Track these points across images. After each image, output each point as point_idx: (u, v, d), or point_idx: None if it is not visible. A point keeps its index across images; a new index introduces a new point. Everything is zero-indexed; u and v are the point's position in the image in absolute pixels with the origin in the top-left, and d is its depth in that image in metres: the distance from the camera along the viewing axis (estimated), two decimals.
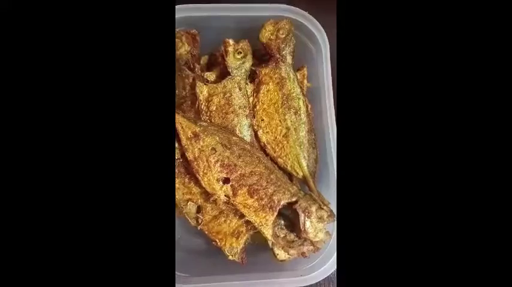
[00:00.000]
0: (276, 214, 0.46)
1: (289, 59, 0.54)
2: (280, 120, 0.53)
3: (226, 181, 0.48)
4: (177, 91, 0.55)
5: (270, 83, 0.54)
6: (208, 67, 0.58)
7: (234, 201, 0.47)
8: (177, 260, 0.43)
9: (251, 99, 0.54)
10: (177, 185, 0.51)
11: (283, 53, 0.54)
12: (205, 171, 0.48)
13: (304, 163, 0.53)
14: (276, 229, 0.48)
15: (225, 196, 0.48)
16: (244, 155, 0.48)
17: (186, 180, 0.51)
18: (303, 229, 0.45)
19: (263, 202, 0.46)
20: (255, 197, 0.46)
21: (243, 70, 0.53)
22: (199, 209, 0.51)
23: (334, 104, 0.53)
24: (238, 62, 0.53)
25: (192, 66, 0.55)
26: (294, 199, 0.46)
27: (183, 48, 0.55)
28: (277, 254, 0.50)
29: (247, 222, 0.49)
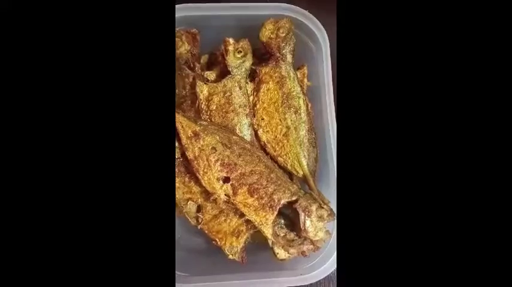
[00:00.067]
0: (276, 213, 0.46)
1: (289, 58, 0.54)
2: (280, 119, 0.53)
3: (226, 180, 0.48)
4: (177, 90, 0.55)
5: (270, 82, 0.54)
6: (209, 66, 0.58)
7: (234, 200, 0.47)
8: (177, 259, 0.43)
9: (251, 98, 0.54)
10: (177, 185, 0.51)
11: (284, 51, 0.53)
12: (205, 170, 0.48)
13: (304, 162, 0.53)
14: (276, 228, 0.48)
15: (225, 195, 0.48)
16: (244, 154, 0.48)
17: (186, 179, 0.51)
18: (303, 228, 0.45)
19: (263, 201, 0.46)
20: (255, 196, 0.46)
21: (243, 69, 0.53)
22: (199, 209, 0.51)
23: (334, 103, 0.53)
24: (239, 61, 0.53)
25: (192, 65, 0.55)
26: (294, 198, 0.46)
27: (183, 48, 0.55)
28: (277, 253, 0.50)
29: (247, 221, 0.49)
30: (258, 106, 0.54)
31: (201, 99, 0.53)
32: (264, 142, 0.54)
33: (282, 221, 0.49)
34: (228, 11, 0.55)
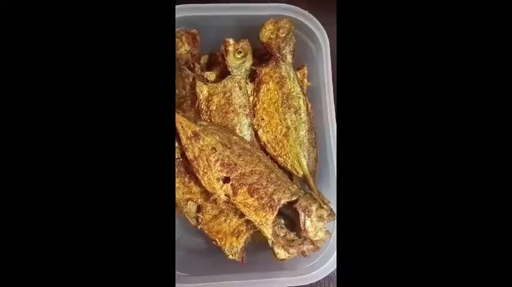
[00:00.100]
0: (276, 213, 0.46)
1: (289, 58, 0.54)
2: (280, 120, 0.53)
3: (226, 180, 0.48)
4: (177, 91, 0.55)
5: (270, 82, 0.54)
6: (209, 67, 0.58)
7: (234, 200, 0.47)
8: (177, 259, 0.43)
9: (251, 98, 0.54)
10: (177, 185, 0.51)
11: (283, 52, 0.54)
12: (205, 170, 0.48)
13: (304, 162, 0.53)
14: (276, 228, 0.48)
15: (225, 195, 0.48)
16: (244, 155, 0.48)
17: (186, 179, 0.51)
18: (303, 228, 0.45)
19: (263, 201, 0.46)
20: (255, 196, 0.46)
21: (243, 69, 0.53)
22: (199, 209, 0.51)
23: (334, 103, 0.53)
24: (239, 62, 0.53)
25: (192, 65, 0.55)
26: (294, 198, 0.46)
27: (183, 48, 0.55)
28: (277, 253, 0.50)
29: (247, 221, 0.49)
30: (258, 106, 0.54)
31: (201, 100, 0.53)
32: (264, 142, 0.54)
33: (282, 221, 0.49)
34: (228, 12, 0.55)
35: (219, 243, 0.50)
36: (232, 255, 0.49)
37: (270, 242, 0.49)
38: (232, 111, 0.52)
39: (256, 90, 0.54)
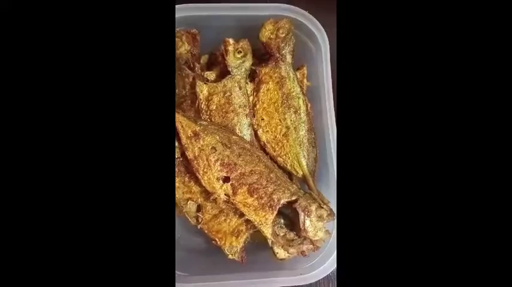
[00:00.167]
0: (275, 212, 0.46)
1: (289, 58, 0.54)
2: (280, 120, 0.53)
3: (226, 179, 0.48)
4: (177, 90, 0.55)
5: (270, 82, 0.54)
6: (209, 66, 0.58)
7: (233, 200, 0.48)
8: (177, 259, 0.43)
9: (251, 98, 0.54)
10: (177, 184, 0.51)
11: (283, 52, 0.54)
12: (205, 170, 0.48)
13: (303, 162, 0.53)
14: (276, 227, 0.48)
15: (225, 194, 0.48)
16: (244, 154, 0.48)
17: (186, 179, 0.51)
18: (302, 228, 0.45)
19: (263, 201, 0.46)
20: (255, 196, 0.46)
21: (243, 69, 0.53)
22: (199, 208, 0.51)
23: (334, 103, 0.53)
24: (238, 61, 0.53)
25: (192, 65, 0.55)
26: (293, 198, 0.46)
27: (183, 48, 0.55)
28: (277, 253, 0.50)
29: (247, 221, 0.49)
30: (257, 106, 0.54)
31: (201, 99, 0.53)
32: (263, 142, 0.54)
33: (282, 221, 0.49)
34: (228, 12, 0.55)
35: (218, 243, 0.50)
36: (232, 255, 0.49)
37: (269, 242, 0.49)
38: (232, 111, 0.53)
39: (256, 90, 0.54)
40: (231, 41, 0.52)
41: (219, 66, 0.56)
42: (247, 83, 0.54)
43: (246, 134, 0.53)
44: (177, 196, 0.51)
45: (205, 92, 0.53)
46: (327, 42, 0.55)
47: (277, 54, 0.54)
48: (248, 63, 0.54)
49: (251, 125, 0.53)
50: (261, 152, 0.51)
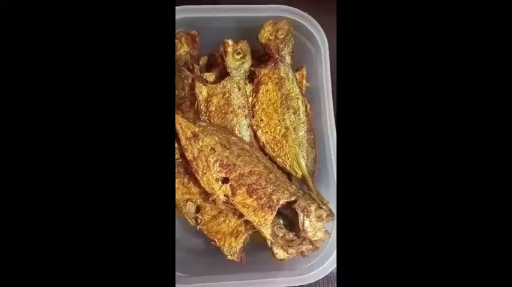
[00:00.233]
0: (275, 213, 0.46)
1: (288, 59, 0.54)
2: (279, 120, 0.53)
3: (225, 180, 0.48)
4: (176, 92, 0.55)
5: (269, 83, 0.54)
6: (208, 68, 0.58)
7: (233, 201, 0.48)
8: (177, 260, 0.43)
9: (250, 99, 0.55)
10: (176, 185, 0.51)
11: (282, 53, 0.54)
12: (204, 171, 0.48)
13: (303, 163, 0.53)
14: (275, 228, 0.48)
15: (224, 195, 0.48)
16: (243, 155, 0.48)
17: (186, 180, 0.51)
18: (302, 228, 0.45)
19: (262, 202, 0.46)
20: (254, 196, 0.46)
21: (242, 70, 0.53)
22: (198, 209, 0.51)
23: (333, 104, 0.53)
24: (238, 63, 0.53)
25: (191, 66, 0.55)
26: (293, 198, 0.46)
27: (182, 49, 0.55)
28: (276, 253, 0.50)
29: (246, 221, 0.49)
30: (257, 107, 0.54)
31: (200, 101, 0.53)
32: (263, 143, 0.54)
33: (281, 221, 0.49)
34: (227, 13, 0.55)
35: (218, 243, 0.50)
36: (231, 255, 0.49)
37: (269, 243, 0.49)
38: (232, 112, 0.53)
39: (255, 91, 0.54)
40: (230, 42, 0.53)
41: (218, 67, 0.56)
42: (246, 84, 0.54)
43: (245, 134, 0.53)
44: (176, 197, 0.51)
45: (204, 93, 0.53)
46: (326, 43, 0.55)
47: (277, 56, 0.54)
48: (247, 64, 0.54)
49: (250, 125, 0.53)
50: (260, 153, 0.51)
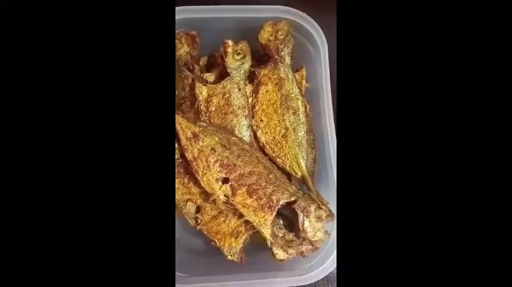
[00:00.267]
0: (274, 213, 0.46)
1: (287, 59, 0.54)
2: (279, 121, 0.53)
3: (225, 180, 0.48)
4: (176, 92, 0.55)
5: (269, 84, 0.54)
6: (208, 68, 0.58)
7: (233, 201, 0.48)
8: (177, 260, 0.43)
9: (250, 99, 0.55)
10: (176, 185, 0.51)
11: (282, 54, 0.54)
12: (204, 171, 0.48)
13: (302, 163, 0.53)
14: (275, 228, 0.48)
15: (224, 195, 0.48)
16: (243, 155, 0.48)
17: (186, 180, 0.51)
18: (301, 229, 0.45)
19: (262, 202, 0.46)
20: (254, 196, 0.47)
21: (242, 71, 0.54)
22: (198, 209, 0.51)
23: (333, 104, 0.53)
24: (238, 63, 0.53)
25: (191, 67, 0.55)
26: (292, 199, 0.46)
27: (182, 49, 0.55)
28: (276, 253, 0.50)
29: (246, 222, 0.49)
30: (256, 107, 0.54)
31: (200, 101, 0.53)
32: (262, 143, 0.54)
33: (281, 221, 0.49)
34: (227, 13, 0.55)
35: (218, 244, 0.50)
36: (231, 256, 0.49)
37: (268, 243, 0.49)
38: (232, 112, 0.53)
39: (255, 91, 0.54)
40: (230, 42, 0.53)
41: (218, 67, 0.56)
42: (246, 84, 0.54)
43: (245, 135, 0.53)
44: (176, 197, 0.51)
45: (204, 93, 0.53)
46: (326, 44, 0.55)
47: (276, 56, 0.54)
48: (247, 64, 0.54)
49: (250, 126, 0.54)
50: (260, 153, 0.51)
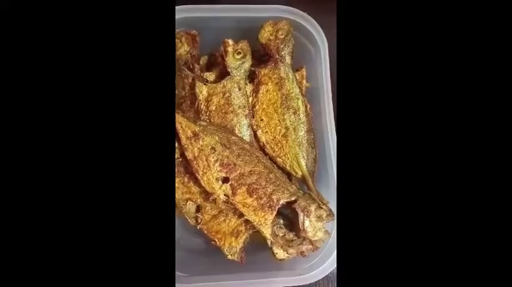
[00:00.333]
0: (275, 213, 0.46)
1: (288, 59, 0.54)
2: (279, 120, 0.53)
3: (225, 180, 0.48)
4: (176, 91, 0.55)
5: (269, 83, 0.54)
6: (208, 67, 0.58)
7: (233, 200, 0.48)
8: (177, 259, 0.43)
9: (250, 99, 0.55)
10: (176, 185, 0.51)
11: (282, 53, 0.54)
12: (204, 170, 0.48)
13: (303, 163, 0.53)
14: (275, 228, 0.48)
15: (225, 195, 0.48)
16: (243, 155, 0.48)
17: (186, 179, 0.51)
18: (302, 228, 0.45)
19: (262, 201, 0.46)
20: (254, 196, 0.47)
21: (243, 70, 0.54)
22: (198, 209, 0.51)
23: (334, 104, 0.53)
24: (238, 62, 0.53)
25: (191, 66, 0.55)
26: (293, 198, 0.46)
27: (182, 49, 0.55)
28: (276, 253, 0.50)
29: (247, 221, 0.49)
30: (257, 107, 0.54)
31: (200, 100, 0.53)
32: (263, 143, 0.54)
33: (281, 221, 0.49)
34: (227, 13, 0.55)
35: (218, 243, 0.50)
36: (232, 255, 0.49)
37: (269, 242, 0.49)
38: (232, 111, 0.53)
39: (256, 91, 0.54)
40: (230, 42, 0.53)
41: (218, 67, 0.56)
42: (246, 84, 0.54)
43: (246, 134, 0.53)
44: (176, 196, 0.51)
45: (204, 92, 0.53)
46: (326, 44, 0.55)
47: (277, 56, 0.54)
48: (247, 64, 0.54)
49: (250, 125, 0.53)
50: (260, 153, 0.51)
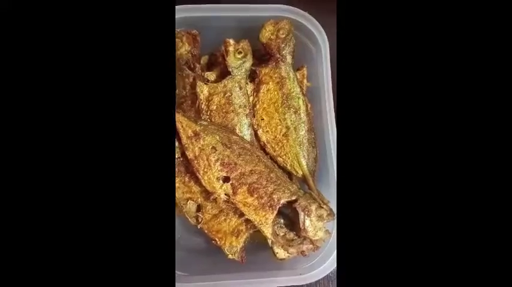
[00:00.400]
0: (275, 212, 0.46)
1: (289, 58, 0.54)
2: (280, 120, 0.53)
3: (226, 179, 0.48)
4: (177, 91, 0.55)
5: (270, 83, 0.54)
6: (209, 67, 0.58)
7: (233, 200, 0.48)
8: (177, 259, 0.43)
9: (251, 98, 0.55)
10: (177, 184, 0.51)
11: (283, 52, 0.54)
12: (205, 170, 0.48)
13: (303, 162, 0.53)
14: (276, 227, 0.48)
15: (225, 194, 0.48)
16: (244, 154, 0.48)
17: (186, 179, 0.51)
18: (302, 228, 0.45)
19: (263, 201, 0.46)
20: (255, 195, 0.47)
21: (243, 70, 0.54)
22: (199, 208, 0.51)
23: (334, 104, 0.53)
24: (239, 62, 0.53)
25: (192, 65, 0.55)
26: (293, 198, 0.46)
27: (183, 48, 0.55)
28: (277, 252, 0.50)
29: (247, 221, 0.49)
30: (257, 106, 0.54)
31: (201, 100, 0.53)
32: (263, 142, 0.54)
33: (282, 220, 0.49)
34: (228, 12, 0.55)
35: (218, 242, 0.50)
36: (232, 255, 0.49)
37: (269, 242, 0.49)
38: (233, 111, 0.53)
39: (256, 90, 0.54)
40: (231, 41, 0.53)
41: (219, 66, 0.56)
42: (247, 83, 0.54)
43: (246, 134, 0.53)
44: (177, 195, 0.51)
45: (205, 92, 0.53)
46: (327, 43, 0.55)
47: (278, 55, 0.54)
48: (248, 63, 0.54)
49: (251, 125, 0.53)
50: (261, 152, 0.51)
